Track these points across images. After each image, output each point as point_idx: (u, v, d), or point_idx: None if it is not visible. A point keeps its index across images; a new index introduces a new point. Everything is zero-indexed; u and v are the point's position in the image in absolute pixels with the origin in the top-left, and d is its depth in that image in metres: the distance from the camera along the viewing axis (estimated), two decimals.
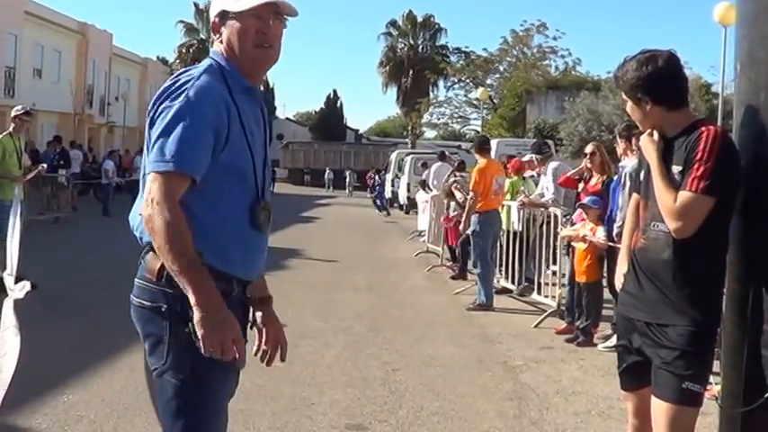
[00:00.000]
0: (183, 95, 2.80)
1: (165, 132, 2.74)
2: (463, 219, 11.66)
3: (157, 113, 2.82)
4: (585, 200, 8.77)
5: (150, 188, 2.70)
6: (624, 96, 3.77)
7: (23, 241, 5.05)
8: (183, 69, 3.03)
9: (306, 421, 5.82)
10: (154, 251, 2.81)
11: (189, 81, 2.86)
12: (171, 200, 2.68)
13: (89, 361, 6.69)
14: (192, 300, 2.64)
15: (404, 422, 5.90)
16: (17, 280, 3.88)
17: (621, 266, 4.04)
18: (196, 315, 2.64)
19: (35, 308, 8.03)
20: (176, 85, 2.86)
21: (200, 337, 2.65)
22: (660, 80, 3.61)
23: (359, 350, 8.11)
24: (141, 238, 2.89)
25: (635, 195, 4.14)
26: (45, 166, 15.72)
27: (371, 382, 6.94)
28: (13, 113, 10.81)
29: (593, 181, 9.05)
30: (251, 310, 3.16)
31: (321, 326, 9.25)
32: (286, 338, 3.30)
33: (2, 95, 32.94)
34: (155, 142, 2.76)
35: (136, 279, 2.93)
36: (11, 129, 10.68)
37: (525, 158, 13.44)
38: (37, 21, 36.49)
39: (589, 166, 9.18)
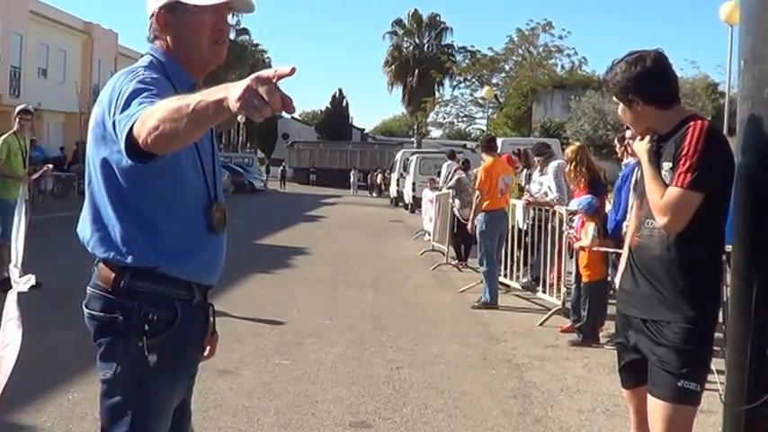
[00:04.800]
0: (135, 78, 2.61)
1: (125, 106, 2.46)
2: (470, 218, 11.63)
3: (110, 103, 2.58)
4: (573, 205, 8.83)
5: (130, 139, 2.35)
6: (615, 99, 3.75)
7: (29, 241, 5.05)
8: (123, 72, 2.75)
9: (310, 419, 5.82)
10: (105, 262, 2.75)
11: (135, 71, 2.70)
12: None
13: (93, 359, 6.68)
14: (226, 105, 2.14)
15: (408, 420, 5.90)
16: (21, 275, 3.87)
17: (623, 265, 4.05)
18: (232, 108, 2.12)
19: (40, 306, 8.05)
20: (122, 76, 2.67)
21: (246, 111, 2.10)
22: (650, 79, 3.60)
23: (363, 348, 8.12)
24: (94, 253, 2.79)
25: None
26: (51, 166, 15.78)
27: (376, 379, 6.94)
28: (15, 113, 10.85)
29: (573, 185, 9.14)
30: (212, 316, 3.01)
31: (326, 324, 9.25)
32: (216, 343, 3.10)
33: (7, 95, 33.00)
34: (122, 108, 2.47)
35: (88, 288, 2.82)
36: (15, 128, 10.70)
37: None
38: (42, 20, 36.55)
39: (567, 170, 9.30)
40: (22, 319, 3.52)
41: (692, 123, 3.49)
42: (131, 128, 2.34)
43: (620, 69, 3.65)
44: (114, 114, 2.53)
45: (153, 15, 2.87)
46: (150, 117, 2.28)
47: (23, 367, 3.41)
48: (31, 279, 3.69)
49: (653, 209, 3.51)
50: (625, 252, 4.12)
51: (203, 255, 2.86)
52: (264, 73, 2.12)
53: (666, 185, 3.47)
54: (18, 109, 10.88)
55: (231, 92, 2.12)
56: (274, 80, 2.11)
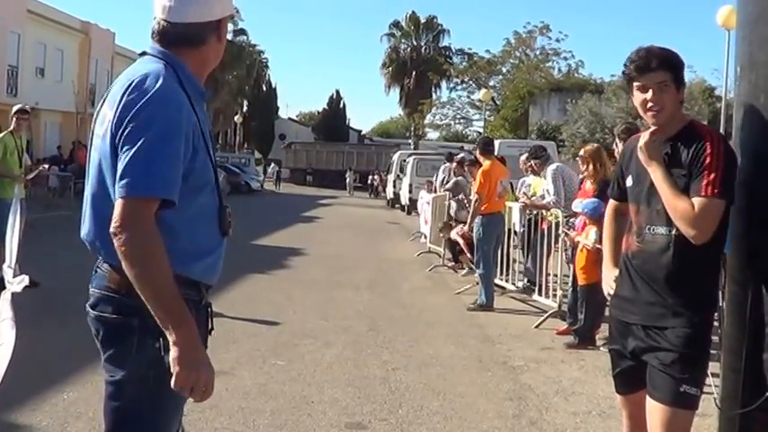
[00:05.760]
0: (150, 109, 2.62)
1: (138, 154, 2.56)
2: (468, 221, 11.59)
3: (125, 130, 2.62)
4: (578, 207, 8.78)
5: (128, 210, 2.54)
6: (664, 76, 3.56)
7: (26, 240, 5.05)
8: (140, 75, 2.75)
9: (306, 419, 5.83)
10: (115, 266, 2.71)
11: (153, 91, 2.67)
12: (153, 226, 2.56)
13: (89, 358, 6.65)
14: (172, 337, 2.54)
15: (403, 421, 5.91)
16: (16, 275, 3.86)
17: (608, 272, 4.03)
18: (174, 352, 2.54)
19: (35, 305, 8.05)
20: (140, 95, 2.67)
21: (174, 374, 2.55)
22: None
23: (359, 349, 8.12)
24: (109, 261, 2.75)
25: (612, 201, 4.13)
26: (47, 166, 15.76)
27: (372, 381, 6.94)
28: (12, 112, 10.85)
29: (588, 185, 9.04)
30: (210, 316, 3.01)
31: (322, 325, 9.25)
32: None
33: (4, 94, 32.91)
34: (127, 163, 2.57)
35: (93, 289, 2.80)
36: (12, 127, 10.70)
37: (523, 157, 13.40)
38: (39, 19, 36.47)
39: (583, 170, 9.16)
40: (16, 320, 3.52)
41: (709, 134, 3.53)
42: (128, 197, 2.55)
43: (672, 51, 3.62)
44: (124, 146, 2.61)
45: (212, 21, 2.89)
46: (141, 250, 2.55)
47: (19, 367, 3.41)
48: (24, 280, 3.68)
49: (680, 219, 3.45)
50: (607, 259, 4.11)
51: (212, 256, 2.90)
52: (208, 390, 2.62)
53: (687, 194, 3.46)
54: (15, 108, 10.88)
55: (185, 359, 2.55)
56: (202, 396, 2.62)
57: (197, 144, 2.74)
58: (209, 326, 3.00)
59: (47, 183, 25.09)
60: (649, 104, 3.58)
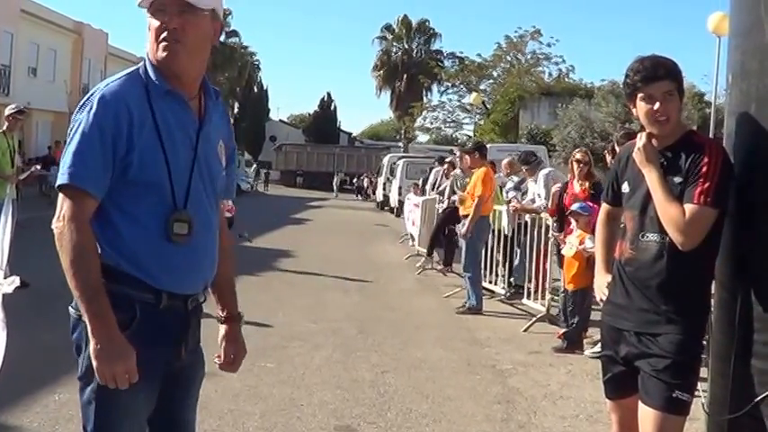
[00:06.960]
0: (87, 107, 2.73)
1: (67, 147, 2.72)
2: (467, 224, 11.45)
3: (70, 127, 2.77)
4: (575, 206, 8.72)
5: (60, 204, 2.70)
6: (671, 86, 3.56)
7: (16, 240, 5.02)
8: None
9: (295, 422, 5.84)
10: None
11: (97, 90, 2.78)
12: (78, 219, 2.66)
13: None
14: (89, 329, 2.61)
15: (392, 424, 5.92)
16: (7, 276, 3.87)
17: (600, 277, 4.04)
18: (91, 345, 2.61)
19: (27, 306, 8.03)
20: (87, 95, 2.78)
21: (94, 367, 2.63)
22: None
23: (348, 352, 8.13)
24: None
25: (605, 206, 4.15)
26: (39, 167, 15.70)
27: (361, 383, 6.95)
28: (6, 112, 10.81)
29: (578, 187, 9.05)
30: (200, 323, 2.99)
31: (311, 327, 9.26)
32: (242, 357, 3.28)
33: None
34: (62, 157, 2.74)
35: None
36: (4, 127, 10.67)
37: (505, 161, 13.41)
38: (33, 19, 36.38)
39: (576, 172, 9.18)
40: (7, 321, 3.52)
41: (708, 144, 3.56)
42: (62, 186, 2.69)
43: (673, 60, 3.62)
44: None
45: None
46: (73, 251, 2.64)
47: (10, 368, 3.42)
48: (15, 280, 3.69)
49: (671, 225, 3.47)
50: (599, 264, 4.13)
51: (166, 263, 2.80)
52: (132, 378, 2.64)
53: (680, 201, 3.48)
54: (14, 108, 10.83)
55: (101, 351, 2.60)
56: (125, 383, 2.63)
57: (136, 139, 2.72)
58: (193, 337, 2.97)
59: (39, 183, 25.11)
60: (657, 114, 3.55)
